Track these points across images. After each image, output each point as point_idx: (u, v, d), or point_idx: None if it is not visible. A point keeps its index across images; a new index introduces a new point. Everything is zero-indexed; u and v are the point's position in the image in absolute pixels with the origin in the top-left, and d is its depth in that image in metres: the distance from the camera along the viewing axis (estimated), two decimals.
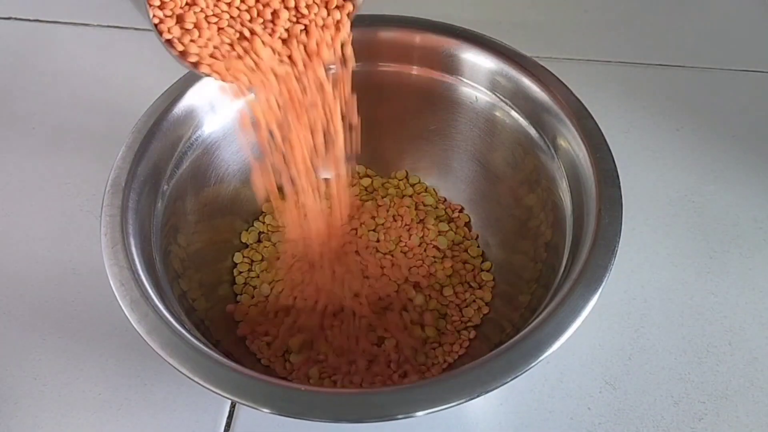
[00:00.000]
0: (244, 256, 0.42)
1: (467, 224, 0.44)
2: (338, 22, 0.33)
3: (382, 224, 0.43)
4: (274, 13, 0.31)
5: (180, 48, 0.30)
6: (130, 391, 0.38)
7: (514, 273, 0.41)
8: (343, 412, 0.26)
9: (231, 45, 0.31)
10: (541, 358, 0.27)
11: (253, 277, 0.41)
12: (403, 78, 0.42)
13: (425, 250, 0.42)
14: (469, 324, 0.39)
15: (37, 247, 0.44)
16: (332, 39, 0.33)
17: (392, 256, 0.41)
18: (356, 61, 0.41)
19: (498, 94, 0.39)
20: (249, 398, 0.26)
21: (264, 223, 0.43)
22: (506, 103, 0.39)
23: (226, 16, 0.30)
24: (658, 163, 0.49)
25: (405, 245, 0.42)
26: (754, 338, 0.40)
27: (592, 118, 0.35)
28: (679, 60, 0.57)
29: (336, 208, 0.39)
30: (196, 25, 0.29)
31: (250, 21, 0.31)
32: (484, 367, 0.27)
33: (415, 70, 0.41)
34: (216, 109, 0.39)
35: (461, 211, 0.45)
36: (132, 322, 0.28)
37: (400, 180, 0.45)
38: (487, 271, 0.41)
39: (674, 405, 0.38)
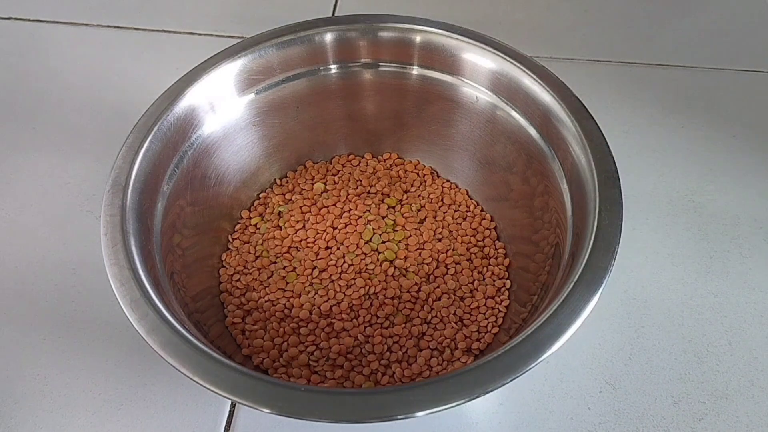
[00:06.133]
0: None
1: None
2: None
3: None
4: None
5: None
6: (130, 391, 0.38)
7: (515, 273, 0.41)
8: (343, 412, 0.26)
9: None
10: (541, 359, 0.27)
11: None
12: (403, 78, 0.42)
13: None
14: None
15: (37, 247, 0.44)
16: None
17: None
18: (357, 61, 0.42)
19: (498, 94, 0.39)
20: (249, 398, 0.26)
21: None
22: (507, 103, 0.39)
23: None
24: (658, 163, 0.49)
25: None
26: (754, 338, 0.40)
27: (592, 118, 0.35)
28: (679, 60, 0.57)
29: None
30: None
31: None
32: (484, 368, 0.27)
33: (415, 70, 0.41)
34: (216, 109, 0.39)
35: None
36: (132, 322, 0.28)
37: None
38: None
39: (674, 405, 0.38)
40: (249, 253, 0.42)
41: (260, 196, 0.45)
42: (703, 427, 0.37)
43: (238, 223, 0.43)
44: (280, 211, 0.44)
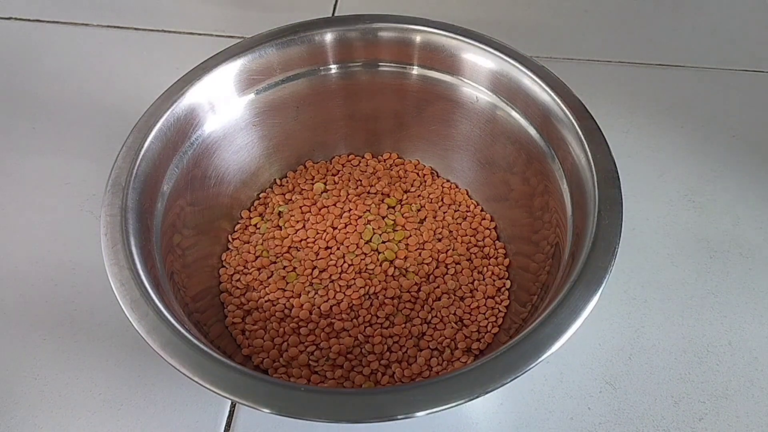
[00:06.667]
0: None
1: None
2: None
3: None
4: None
5: None
6: (130, 391, 0.38)
7: (515, 273, 0.41)
8: (343, 412, 0.26)
9: None
10: (541, 359, 0.27)
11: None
12: (403, 78, 0.42)
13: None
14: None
15: (37, 247, 0.44)
16: None
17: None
18: (357, 61, 0.42)
19: (498, 94, 0.39)
20: (249, 398, 0.26)
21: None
22: (507, 104, 0.39)
23: None
24: (658, 163, 0.49)
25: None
26: (754, 338, 0.40)
27: (592, 118, 0.35)
28: (679, 60, 0.57)
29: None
30: None
31: None
32: (484, 368, 0.27)
33: (415, 70, 0.41)
34: (216, 109, 0.39)
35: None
36: (132, 322, 0.28)
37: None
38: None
39: (674, 405, 0.38)
40: (249, 253, 0.42)
41: (260, 196, 0.45)
42: (703, 427, 0.37)
43: (238, 223, 0.43)
44: (280, 211, 0.44)
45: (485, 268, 0.41)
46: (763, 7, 0.61)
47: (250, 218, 0.43)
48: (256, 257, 0.41)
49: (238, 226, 0.43)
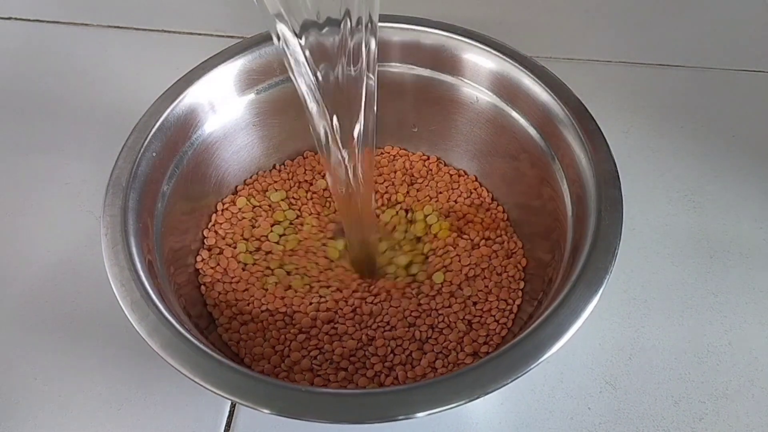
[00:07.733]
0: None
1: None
2: None
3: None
4: None
5: None
6: (130, 391, 0.38)
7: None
8: (343, 413, 0.26)
9: None
10: (541, 359, 0.27)
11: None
12: (403, 78, 0.42)
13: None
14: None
15: (37, 247, 0.44)
16: None
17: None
18: (356, 61, 0.41)
19: (498, 95, 0.39)
20: (249, 399, 0.26)
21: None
22: (507, 104, 0.39)
23: None
24: (658, 163, 0.49)
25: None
26: (754, 338, 0.40)
27: (593, 118, 0.35)
28: (679, 60, 0.57)
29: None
30: None
31: None
32: (485, 368, 0.27)
33: (415, 70, 0.41)
34: (216, 109, 0.39)
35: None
36: (132, 323, 0.28)
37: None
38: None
39: (674, 405, 0.38)
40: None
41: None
42: (703, 427, 0.37)
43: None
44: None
45: (503, 269, 0.40)
46: (763, 7, 0.61)
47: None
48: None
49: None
